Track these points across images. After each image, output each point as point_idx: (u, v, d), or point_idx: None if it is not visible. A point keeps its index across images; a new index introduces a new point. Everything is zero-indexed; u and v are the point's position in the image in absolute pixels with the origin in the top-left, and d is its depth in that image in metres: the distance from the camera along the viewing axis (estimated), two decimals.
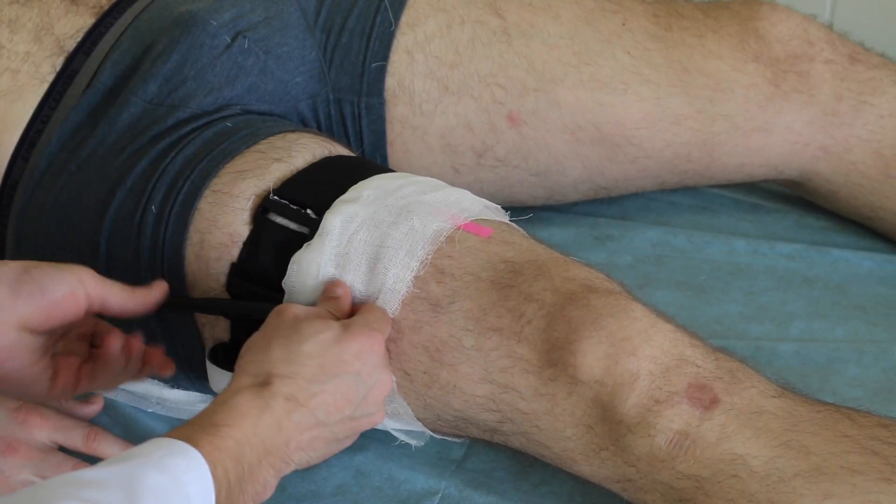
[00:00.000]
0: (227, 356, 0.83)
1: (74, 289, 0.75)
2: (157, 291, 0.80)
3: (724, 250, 1.10)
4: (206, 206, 0.84)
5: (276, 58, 0.95)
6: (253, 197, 0.84)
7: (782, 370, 0.92)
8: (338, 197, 0.82)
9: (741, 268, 1.08)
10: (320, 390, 0.72)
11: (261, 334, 0.75)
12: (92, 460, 0.88)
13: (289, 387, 0.70)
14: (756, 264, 1.08)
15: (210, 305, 0.83)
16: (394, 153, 1.00)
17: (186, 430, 0.67)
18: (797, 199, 1.15)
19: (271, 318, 0.75)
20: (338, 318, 0.77)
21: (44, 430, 0.87)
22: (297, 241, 0.82)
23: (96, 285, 0.76)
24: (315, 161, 0.86)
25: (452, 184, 0.89)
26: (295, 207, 0.82)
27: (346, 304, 0.79)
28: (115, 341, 0.79)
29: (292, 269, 0.81)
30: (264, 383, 0.70)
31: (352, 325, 0.75)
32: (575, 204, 1.12)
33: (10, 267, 0.74)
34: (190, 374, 0.89)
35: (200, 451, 0.65)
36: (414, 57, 0.98)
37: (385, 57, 0.98)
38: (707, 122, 1.03)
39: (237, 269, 0.82)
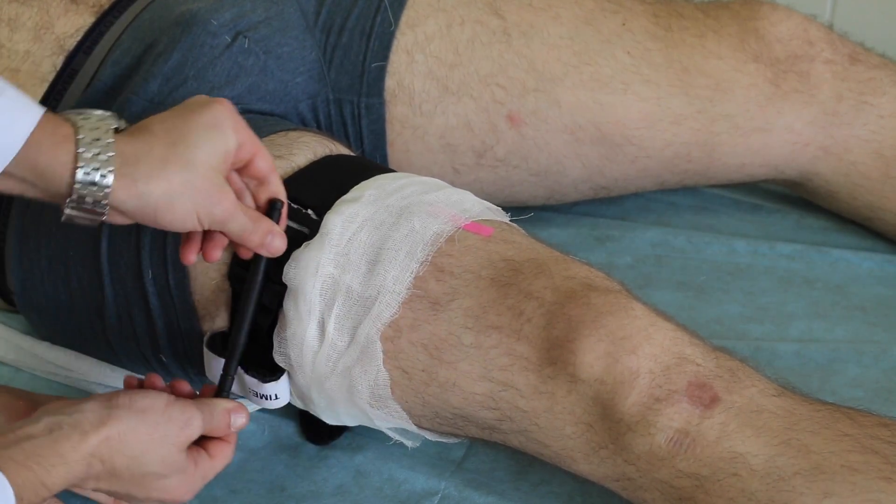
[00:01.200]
0: (225, 344, 0.84)
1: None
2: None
3: (724, 251, 1.11)
4: None
5: (276, 58, 0.96)
6: None
7: (782, 370, 0.93)
8: (339, 197, 0.83)
9: (741, 268, 1.09)
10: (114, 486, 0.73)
11: (157, 426, 0.73)
12: None
13: (105, 470, 0.71)
14: (756, 265, 1.09)
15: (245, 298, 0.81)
16: (394, 153, 1.01)
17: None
18: (797, 199, 1.16)
19: (176, 422, 0.74)
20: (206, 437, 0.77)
21: None
22: (297, 238, 0.82)
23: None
24: (316, 159, 0.87)
25: (452, 184, 0.89)
26: (296, 206, 0.83)
27: (220, 430, 0.78)
28: None
29: (290, 264, 0.81)
30: (89, 458, 0.70)
31: (190, 476, 0.75)
32: (575, 204, 1.13)
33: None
34: (189, 370, 0.90)
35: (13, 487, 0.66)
36: (414, 57, 0.99)
37: (385, 57, 0.98)
38: (707, 121, 1.03)
39: (238, 260, 0.83)
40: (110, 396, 0.74)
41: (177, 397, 0.76)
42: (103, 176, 0.69)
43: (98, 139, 0.70)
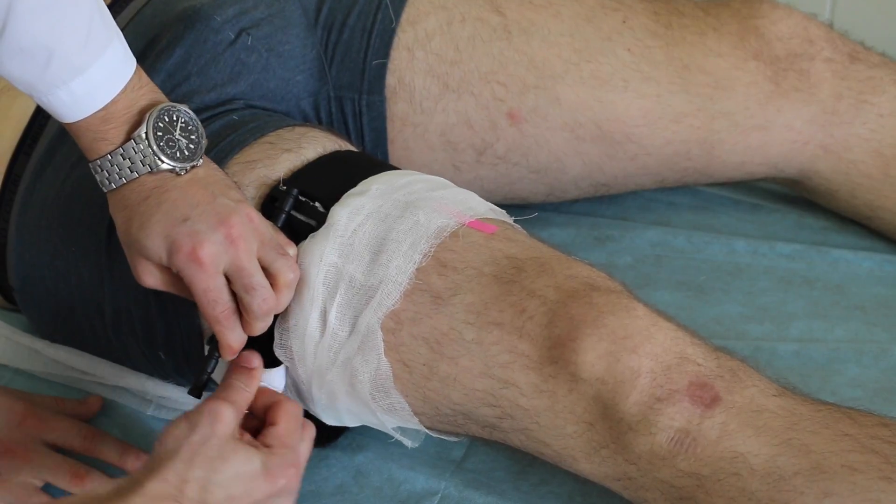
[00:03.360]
0: None
1: None
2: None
3: (723, 251, 1.12)
4: None
5: (277, 56, 0.97)
6: (263, 186, 0.86)
7: (782, 370, 0.94)
8: (347, 190, 0.85)
9: (741, 268, 1.10)
10: None
11: (191, 436, 0.73)
12: (90, 461, 0.89)
13: None
14: (756, 265, 1.10)
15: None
16: (394, 151, 1.02)
17: None
18: (797, 199, 1.17)
19: (205, 423, 0.74)
20: (244, 413, 0.77)
21: (41, 431, 0.88)
22: (304, 230, 0.84)
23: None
24: (326, 153, 0.88)
25: (453, 181, 0.90)
26: (303, 199, 0.85)
27: (249, 396, 0.78)
28: None
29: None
30: (175, 497, 0.71)
31: (274, 458, 0.74)
32: (575, 202, 1.14)
33: None
34: (185, 371, 0.91)
35: None
36: (414, 54, 1.00)
37: (386, 54, 0.99)
38: (707, 119, 1.04)
39: None
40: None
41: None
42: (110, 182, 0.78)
43: (132, 165, 0.78)
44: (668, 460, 0.76)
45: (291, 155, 0.87)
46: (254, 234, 0.79)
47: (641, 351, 0.77)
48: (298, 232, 0.84)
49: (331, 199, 0.84)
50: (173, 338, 0.88)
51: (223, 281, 0.79)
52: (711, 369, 0.78)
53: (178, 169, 0.79)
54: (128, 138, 0.78)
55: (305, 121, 1.00)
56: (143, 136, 0.78)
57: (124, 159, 0.78)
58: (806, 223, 1.15)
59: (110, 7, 0.96)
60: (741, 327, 1.03)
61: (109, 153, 0.78)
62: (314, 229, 0.84)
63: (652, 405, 0.76)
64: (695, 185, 1.13)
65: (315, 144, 0.89)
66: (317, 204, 0.85)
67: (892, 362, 0.99)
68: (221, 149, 0.88)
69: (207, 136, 0.88)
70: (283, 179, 0.86)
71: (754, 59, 1.05)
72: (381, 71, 1.00)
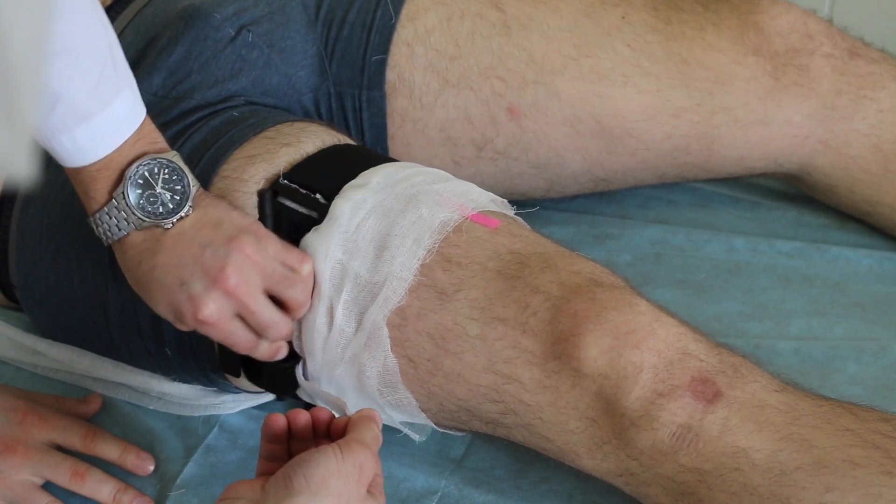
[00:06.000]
0: None
1: None
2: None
3: (723, 248, 1.13)
4: (216, 191, 0.87)
5: (279, 52, 0.99)
6: (263, 181, 0.87)
7: (782, 368, 0.93)
8: (347, 182, 0.86)
9: (740, 266, 1.11)
10: None
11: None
12: (90, 460, 0.91)
13: None
14: (755, 262, 1.11)
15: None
16: (394, 146, 1.03)
17: None
18: (796, 196, 1.18)
19: (362, 461, 0.73)
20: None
21: (41, 429, 0.90)
22: (307, 224, 0.85)
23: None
24: (325, 147, 0.90)
25: (453, 176, 0.91)
26: (304, 192, 0.86)
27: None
28: None
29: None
30: None
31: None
32: (574, 200, 1.15)
33: None
34: (192, 367, 0.92)
35: None
36: (414, 50, 1.01)
37: (385, 50, 1.01)
38: (706, 114, 1.06)
39: None
40: (287, 475, 0.71)
41: (341, 447, 0.72)
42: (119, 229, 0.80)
43: (119, 223, 0.80)
44: (669, 455, 0.78)
45: (291, 149, 0.89)
46: (254, 271, 0.80)
47: (644, 346, 0.79)
48: (301, 224, 0.85)
49: (331, 190, 0.86)
50: (180, 334, 0.89)
51: (237, 324, 0.82)
52: (713, 365, 0.80)
53: (163, 224, 0.80)
54: (110, 198, 0.80)
55: (306, 116, 1.01)
56: (122, 195, 0.79)
57: (111, 218, 0.80)
58: (805, 221, 1.16)
59: (110, 8, 0.98)
60: (740, 325, 1.04)
61: (98, 212, 0.80)
62: (317, 221, 0.85)
63: (654, 401, 0.78)
64: (694, 180, 1.14)
65: (314, 138, 0.90)
66: (318, 196, 0.86)
67: (892, 360, 1.00)
68: (221, 145, 0.89)
69: (207, 133, 0.90)
70: (283, 173, 0.87)
71: (754, 55, 1.06)
72: (381, 67, 1.01)
